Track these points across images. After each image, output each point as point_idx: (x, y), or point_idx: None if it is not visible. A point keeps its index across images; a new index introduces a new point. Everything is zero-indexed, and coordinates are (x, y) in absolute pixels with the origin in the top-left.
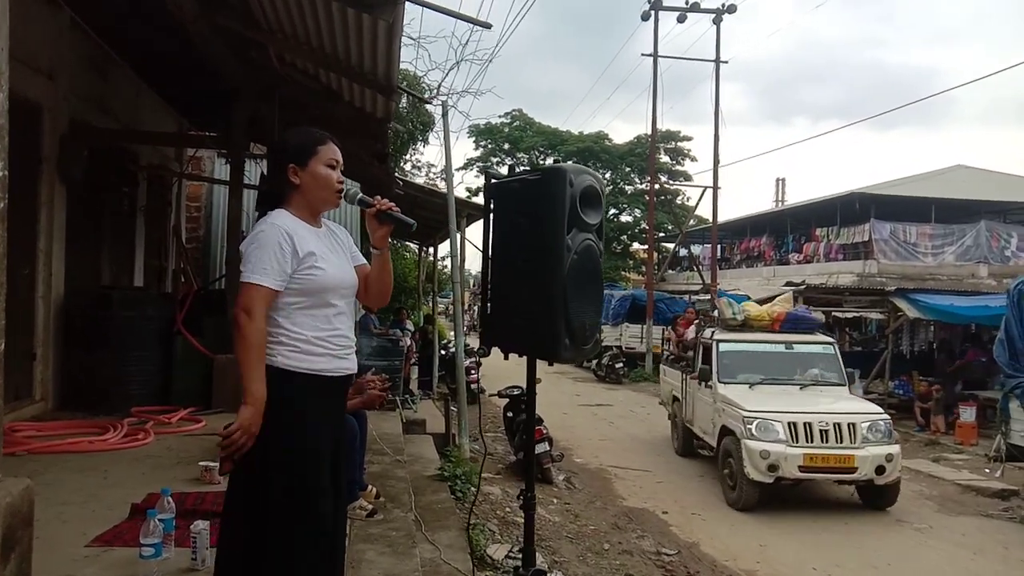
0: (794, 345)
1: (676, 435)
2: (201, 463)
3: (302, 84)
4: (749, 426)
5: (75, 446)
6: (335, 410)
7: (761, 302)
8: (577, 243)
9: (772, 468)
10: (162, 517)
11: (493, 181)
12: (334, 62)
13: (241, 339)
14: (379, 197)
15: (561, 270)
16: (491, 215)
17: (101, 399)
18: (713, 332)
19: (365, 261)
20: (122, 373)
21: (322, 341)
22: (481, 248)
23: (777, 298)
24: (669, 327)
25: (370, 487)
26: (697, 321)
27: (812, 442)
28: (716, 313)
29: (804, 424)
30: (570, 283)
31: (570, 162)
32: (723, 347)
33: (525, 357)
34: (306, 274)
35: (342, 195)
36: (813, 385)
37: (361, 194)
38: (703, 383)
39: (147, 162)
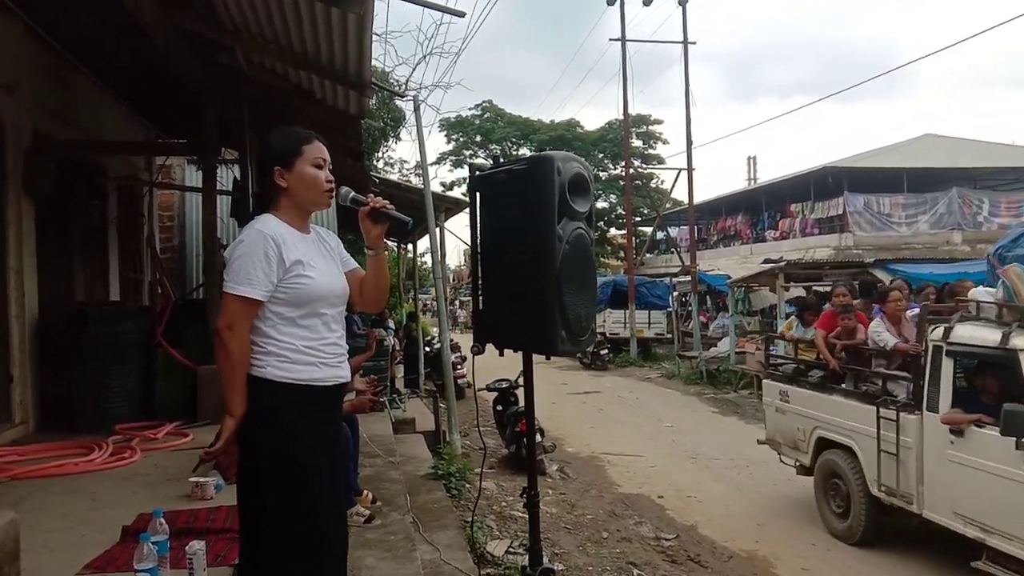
0: None
1: (836, 506)
2: (191, 479)
3: (272, 84)
4: None
5: (60, 469)
6: (329, 420)
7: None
8: (568, 232)
9: None
10: (155, 540)
11: (478, 174)
12: (304, 60)
13: (225, 354)
14: (372, 195)
15: (553, 261)
16: (477, 209)
17: (83, 418)
18: (1008, 332)
19: (356, 265)
20: (103, 390)
21: (312, 350)
22: (463, 242)
23: None
24: (791, 318)
25: (365, 492)
26: (919, 309)
27: None
28: (996, 292)
29: None
30: (563, 274)
31: (529, 151)
32: None
33: (519, 352)
34: (293, 283)
35: (333, 194)
36: None
37: (353, 193)
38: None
39: (116, 173)
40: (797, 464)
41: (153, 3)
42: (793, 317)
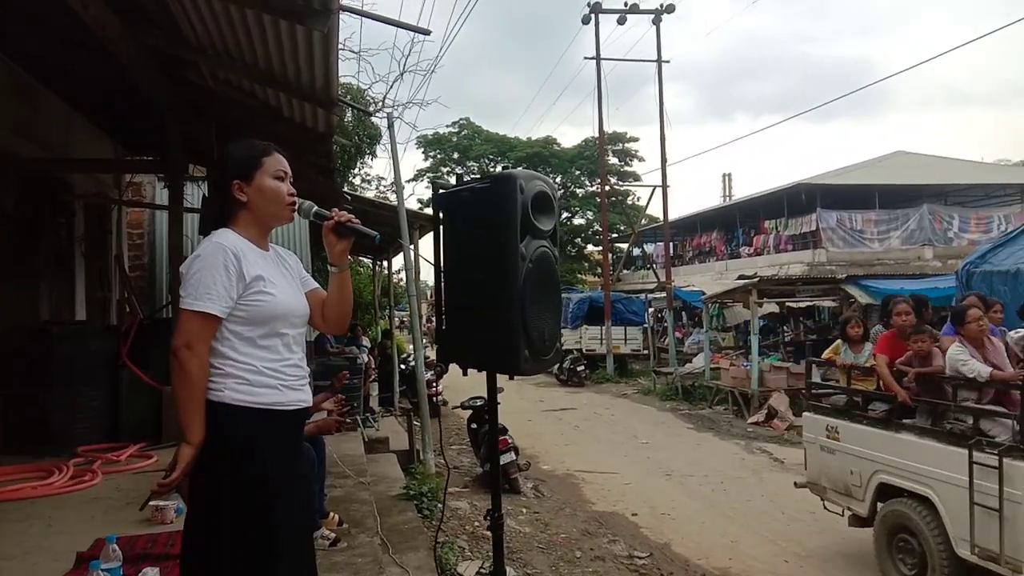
0: None
1: (907, 568)
2: (152, 503)
3: (239, 101)
4: None
5: (17, 493)
6: (292, 446)
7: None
8: (532, 251)
9: None
10: (107, 567)
11: (441, 192)
12: (269, 77)
13: (183, 375)
14: (336, 209)
15: (516, 280)
16: (440, 227)
17: (45, 440)
18: None
19: (317, 285)
20: (66, 411)
21: (274, 372)
22: (428, 262)
23: None
24: (836, 342)
25: (331, 514)
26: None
27: None
28: None
29: None
30: (526, 293)
31: (520, 168)
32: None
33: (483, 372)
34: (254, 300)
35: (295, 208)
36: None
37: (316, 207)
38: None
39: (83, 190)
40: (848, 513)
41: (116, 20)
42: (839, 341)
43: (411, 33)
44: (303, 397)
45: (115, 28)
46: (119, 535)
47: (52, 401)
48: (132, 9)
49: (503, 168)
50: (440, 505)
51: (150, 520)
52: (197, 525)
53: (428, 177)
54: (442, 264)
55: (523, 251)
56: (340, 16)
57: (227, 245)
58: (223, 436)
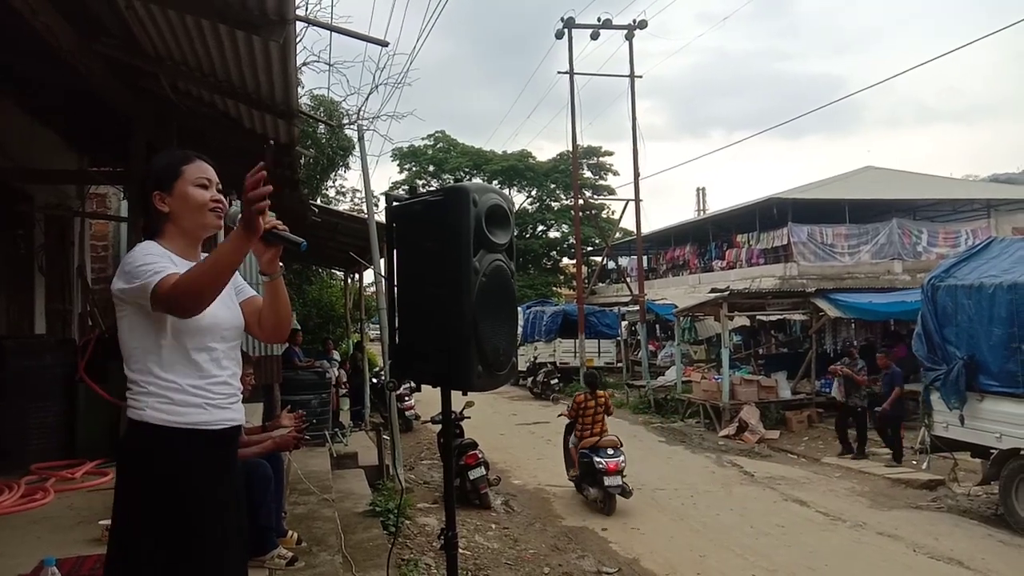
0: None
1: None
2: (101, 522)
3: (200, 113)
4: None
5: None
6: (220, 466)
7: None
8: (485, 265)
9: None
10: None
11: (395, 204)
12: (229, 88)
13: (199, 284)
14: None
15: (469, 294)
16: (394, 240)
17: None
18: None
19: (254, 293)
20: (20, 428)
21: (198, 390)
22: (382, 276)
23: None
24: None
25: (290, 533)
26: None
27: None
28: None
29: None
30: (480, 307)
31: (481, 181)
32: None
33: (437, 387)
34: None
35: (222, 215)
36: None
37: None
38: None
39: (44, 202)
40: None
41: (69, 29)
42: None
43: (387, 48)
44: (231, 416)
45: (69, 37)
46: (67, 556)
47: (4, 417)
48: (86, 18)
49: (488, 181)
50: (403, 522)
51: (100, 540)
52: (119, 545)
53: (403, 189)
54: (395, 278)
55: (476, 265)
56: (307, 29)
57: (149, 249)
58: (146, 457)
